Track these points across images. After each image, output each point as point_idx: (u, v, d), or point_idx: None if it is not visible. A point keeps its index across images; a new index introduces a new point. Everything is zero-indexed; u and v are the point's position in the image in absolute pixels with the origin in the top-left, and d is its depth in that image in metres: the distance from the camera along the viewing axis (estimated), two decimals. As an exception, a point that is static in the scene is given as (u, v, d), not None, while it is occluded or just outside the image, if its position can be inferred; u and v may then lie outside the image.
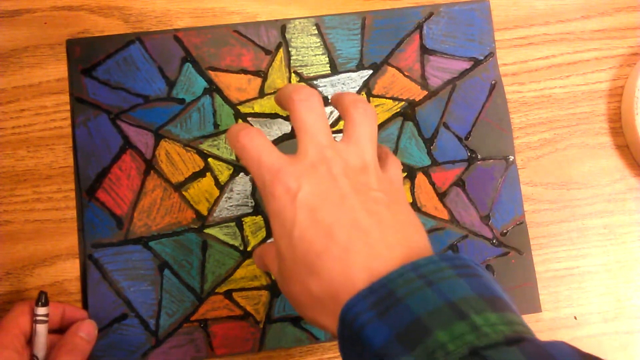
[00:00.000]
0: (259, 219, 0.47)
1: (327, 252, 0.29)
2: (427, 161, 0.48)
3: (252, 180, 0.47)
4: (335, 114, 0.48)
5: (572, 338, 0.48)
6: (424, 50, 0.49)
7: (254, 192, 0.47)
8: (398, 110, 0.49)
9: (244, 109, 0.48)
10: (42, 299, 0.40)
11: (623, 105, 0.50)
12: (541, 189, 0.49)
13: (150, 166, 0.47)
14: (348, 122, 0.35)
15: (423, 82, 0.49)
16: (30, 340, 0.40)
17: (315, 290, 0.29)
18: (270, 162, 0.32)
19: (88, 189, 0.46)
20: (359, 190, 0.31)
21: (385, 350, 0.25)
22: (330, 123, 0.48)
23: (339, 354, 0.46)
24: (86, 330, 0.41)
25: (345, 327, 0.27)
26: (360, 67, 0.49)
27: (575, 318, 0.48)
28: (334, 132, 0.48)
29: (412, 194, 0.48)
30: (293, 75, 0.48)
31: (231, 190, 0.47)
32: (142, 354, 0.44)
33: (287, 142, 0.48)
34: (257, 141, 0.33)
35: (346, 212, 0.30)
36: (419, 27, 0.50)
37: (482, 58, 0.50)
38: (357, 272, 0.28)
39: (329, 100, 0.48)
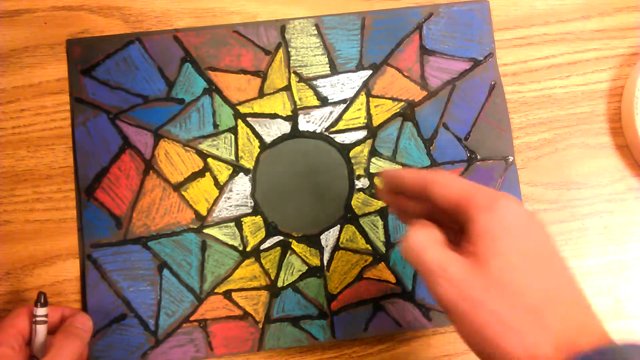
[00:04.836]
0: (258, 219, 0.47)
1: (551, 305, 0.29)
2: (426, 161, 0.48)
3: (251, 181, 0.47)
4: (335, 113, 0.48)
5: (572, 338, 0.48)
6: (424, 51, 0.49)
7: (253, 192, 0.47)
8: (397, 110, 0.49)
9: (243, 109, 0.48)
10: (42, 299, 0.40)
11: (623, 105, 0.50)
12: (541, 189, 0.49)
13: (149, 166, 0.47)
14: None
15: (422, 82, 0.49)
16: (29, 342, 0.40)
17: (523, 329, 0.28)
18: None
19: (87, 189, 0.46)
20: None
21: None
22: (330, 123, 0.48)
23: (338, 354, 0.46)
24: (80, 321, 0.41)
25: None
26: (359, 67, 0.49)
27: (575, 318, 0.48)
28: (332, 133, 0.48)
29: (412, 194, 0.48)
30: (292, 75, 0.48)
31: (230, 190, 0.47)
32: (142, 354, 0.44)
33: (286, 142, 0.48)
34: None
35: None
36: (419, 27, 0.50)
37: (481, 58, 0.50)
38: (576, 332, 0.28)
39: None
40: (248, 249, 0.46)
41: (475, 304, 0.28)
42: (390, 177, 0.36)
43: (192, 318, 0.45)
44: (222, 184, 0.47)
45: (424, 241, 0.31)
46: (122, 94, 0.47)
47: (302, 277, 0.46)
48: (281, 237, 0.47)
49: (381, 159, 0.48)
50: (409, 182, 0.34)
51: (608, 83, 0.51)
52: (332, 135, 0.48)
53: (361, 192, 0.48)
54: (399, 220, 0.47)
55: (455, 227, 0.32)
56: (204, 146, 0.47)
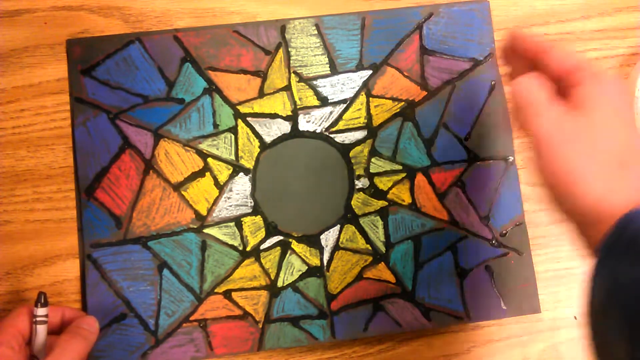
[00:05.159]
0: (258, 219, 0.47)
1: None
2: (426, 162, 0.48)
3: (251, 181, 0.47)
4: (335, 114, 0.48)
5: (572, 338, 0.48)
6: (424, 51, 0.49)
7: (253, 192, 0.47)
8: (397, 110, 0.49)
9: (243, 109, 0.48)
10: (42, 299, 0.40)
11: (623, 105, 0.50)
12: (541, 189, 0.49)
13: (149, 166, 0.47)
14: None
15: (423, 82, 0.49)
16: (29, 342, 0.40)
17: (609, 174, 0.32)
18: None
19: (87, 189, 0.46)
20: None
21: None
22: (330, 123, 0.48)
23: (338, 354, 0.46)
24: (87, 322, 0.41)
25: (627, 230, 0.30)
26: (359, 67, 0.49)
27: (575, 318, 0.48)
28: (332, 133, 0.48)
29: (412, 194, 0.48)
30: (293, 75, 0.48)
31: (230, 190, 0.47)
32: (142, 354, 0.44)
33: (286, 142, 0.48)
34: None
35: None
36: (419, 27, 0.50)
37: (481, 59, 0.50)
38: None
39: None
40: (248, 248, 0.46)
41: (560, 145, 0.33)
42: (514, 37, 0.39)
43: (192, 318, 0.45)
44: (222, 183, 0.47)
45: (534, 82, 0.36)
46: (122, 94, 0.47)
47: (302, 277, 0.46)
48: (281, 237, 0.47)
49: (381, 159, 0.48)
50: (530, 46, 0.38)
51: (608, 83, 0.51)
52: (332, 135, 0.48)
53: (361, 192, 0.48)
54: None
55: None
56: (204, 146, 0.47)
